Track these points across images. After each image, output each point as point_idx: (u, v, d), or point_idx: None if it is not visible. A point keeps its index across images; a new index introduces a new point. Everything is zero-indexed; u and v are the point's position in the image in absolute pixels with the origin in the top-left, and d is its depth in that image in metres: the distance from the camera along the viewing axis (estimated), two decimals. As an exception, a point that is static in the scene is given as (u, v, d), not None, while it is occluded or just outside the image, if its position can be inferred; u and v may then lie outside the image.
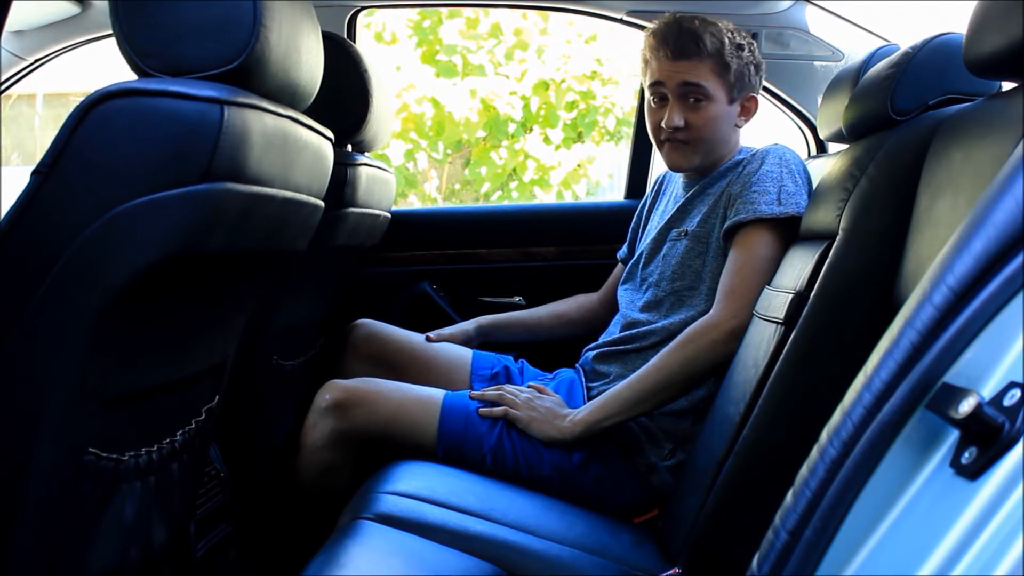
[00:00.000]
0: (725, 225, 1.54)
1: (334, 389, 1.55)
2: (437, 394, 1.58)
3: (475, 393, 1.59)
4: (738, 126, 1.66)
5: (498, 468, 1.51)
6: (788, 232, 1.48)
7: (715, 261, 1.57)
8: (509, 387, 1.60)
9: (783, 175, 1.51)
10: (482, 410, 1.55)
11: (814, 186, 1.49)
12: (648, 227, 1.83)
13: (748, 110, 1.65)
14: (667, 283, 1.62)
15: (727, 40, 1.58)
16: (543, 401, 1.56)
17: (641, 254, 1.74)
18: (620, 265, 1.95)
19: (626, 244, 1.94)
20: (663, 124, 1.61)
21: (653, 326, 1.61)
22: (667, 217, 1.69)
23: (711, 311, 1.49)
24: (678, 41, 1.57)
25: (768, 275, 1.45)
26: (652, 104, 1.65)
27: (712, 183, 1.64)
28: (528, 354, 1.93)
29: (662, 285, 1.63)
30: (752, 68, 1.62)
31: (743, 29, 1.66)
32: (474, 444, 1.52)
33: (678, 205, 1.68)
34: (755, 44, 1.64)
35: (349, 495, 1.41)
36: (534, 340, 1.97)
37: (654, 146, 1.72)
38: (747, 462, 1.25)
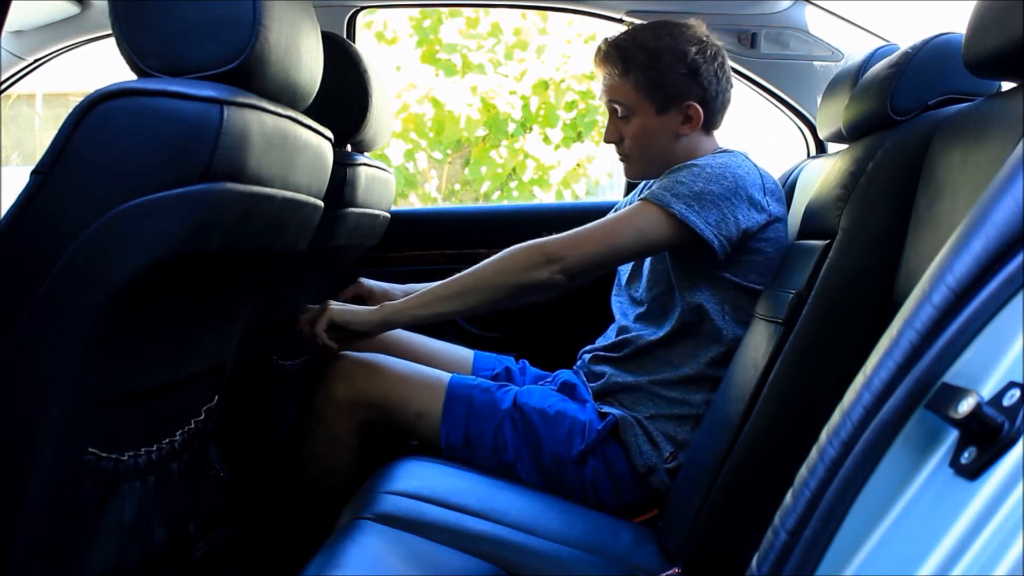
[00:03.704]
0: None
1: (342, 358, 1.58)
2: (443, 375, 1.60)
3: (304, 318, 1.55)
4: (682, 134, 1.61)
5: (498, 452, 1.52)
6: (683, 238, 1.45)
7: (675, 261, 1.56)
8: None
9: (706, 177, 1.47)
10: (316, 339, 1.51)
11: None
12: None
13: (691, 118, 1.59)
14: (646, 292, 1.62)
15: (646, 54, 1.56)
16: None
17: (622, 271, 1.75)
18: None
19: None
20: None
21: (644, 332, 1.61)
22: None
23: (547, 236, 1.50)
24: (603, 60, 1.61)
25: (627, 252, 1.48)
26: None
27: None
28: (529, 354, 1.93)
29: (645, 296, 1.63)
30: (682, 76, 1.56)
31: (713, 32, 1.63)
32: (477, 425, 1.53)
33: None
34: (703, 48, 1.57)
35: (350, 492, 1.41)
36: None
37: None
38: (747, 462, 1.25)
